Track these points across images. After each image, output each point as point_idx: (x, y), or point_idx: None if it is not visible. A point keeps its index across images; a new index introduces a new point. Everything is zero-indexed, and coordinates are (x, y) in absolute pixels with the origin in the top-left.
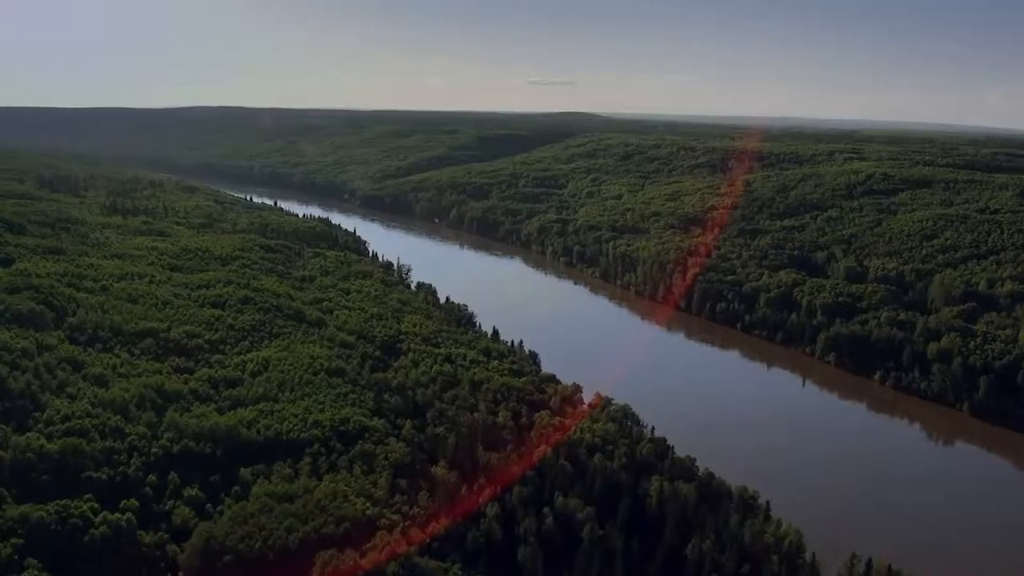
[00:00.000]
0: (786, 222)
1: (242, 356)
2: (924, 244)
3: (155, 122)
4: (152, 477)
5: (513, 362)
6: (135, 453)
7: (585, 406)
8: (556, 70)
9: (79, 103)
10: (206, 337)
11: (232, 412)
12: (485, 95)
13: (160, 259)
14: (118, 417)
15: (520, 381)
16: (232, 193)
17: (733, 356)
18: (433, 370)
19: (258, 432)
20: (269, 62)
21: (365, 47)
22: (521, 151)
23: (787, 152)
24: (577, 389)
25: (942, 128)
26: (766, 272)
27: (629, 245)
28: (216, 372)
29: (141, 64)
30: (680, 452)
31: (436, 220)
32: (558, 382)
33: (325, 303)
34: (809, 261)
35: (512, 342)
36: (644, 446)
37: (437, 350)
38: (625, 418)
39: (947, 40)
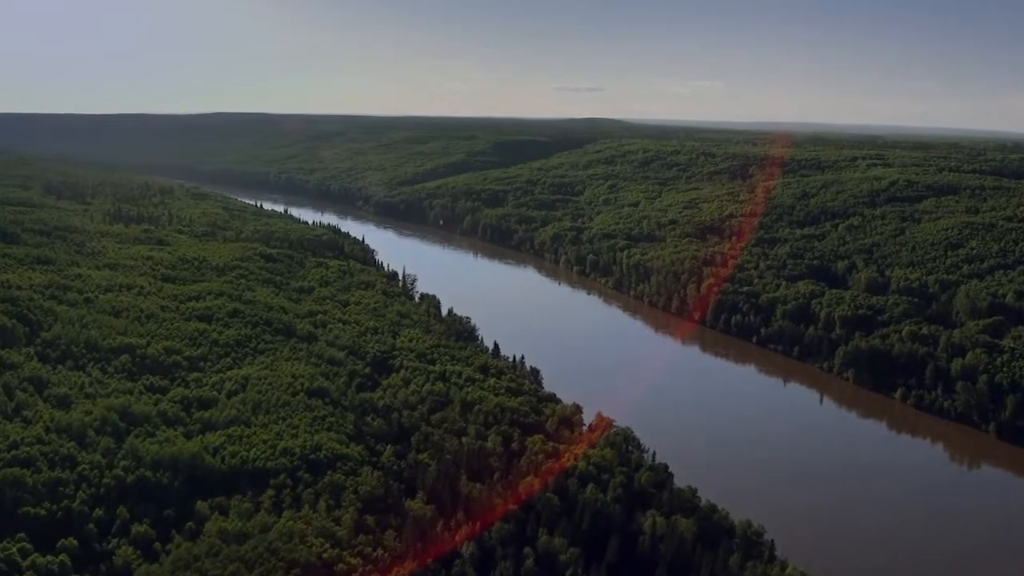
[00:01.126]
0: (806, 230)
1: (221, 374)
2: (949, 254)
3: (178, 128)
4: (99, 511)
5: (512, 380)
6: (84, 485)
7: (585, 428)
8: (583, 76)
9: (103, 110)
10: (186, 353)
11: (200, 437)
12: (510, 101)
13: (154, 269)
14: (72, 444)
15: (516, 401)
16: (244, 200)
17: (747, 371)
18: (424, 389)
19: (222, 460)
20: (294, 68)
21: (391, 53)
22: (540, 157)
23: (809, 158)
24: (577, 410)
25: (968, 133)
26: (784, 283)
27: (644, 254)
28: (190, 392)
29: (168, 71)
30: (683, 479)
31: (441, 222)
32: (557, 402)
33: (319, 316)
34: (829, 271)
35: (513, 357)
36: (643, 475)
37: (431, 367)
38: (625, 442)
39: (974, 44)
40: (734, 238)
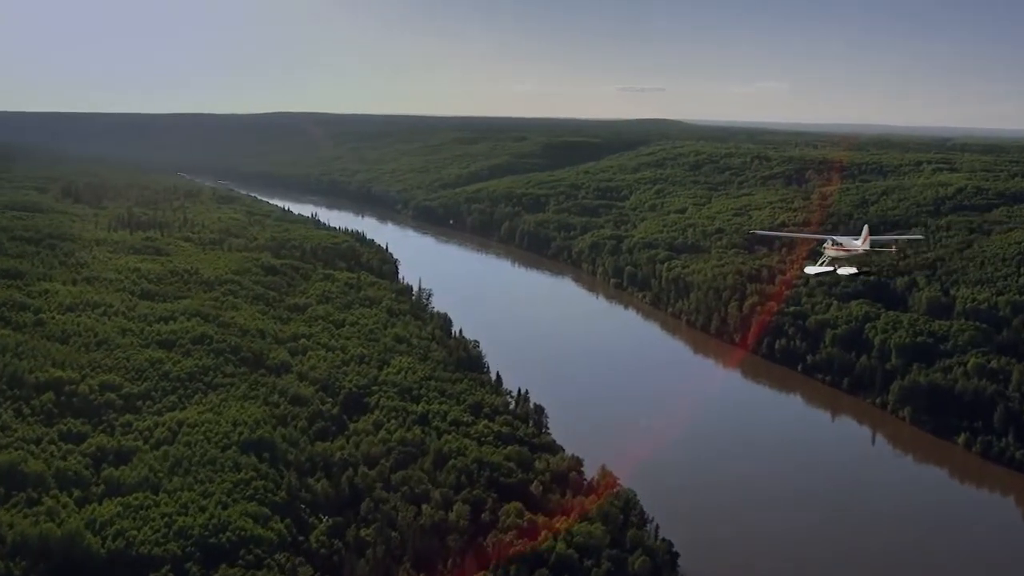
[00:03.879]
0: None
1: (157, 418)
2: (1022, 270)
3: (234, 129)
4: None
5: (506, 423)
6: None
7: (586, 485)
8: (647, 77)
9: (164, 109)
10: (125, 390)
11: (92, 507)
12: (572, 103)
13: (136, 284)
14: None
15: (503, 452)
16: (275, 203)
17: (788, 405)
18: (395, 436)
19: (104, 543)
20: (352, 68)
21: (455, 53)
22: (589, 160)
23: (870, 162)
24: (575, 464)
25: None
26: (835, 302)
27: (684, 267)
28: (111, 441)
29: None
30: (692, 560)
31: (452, 222)
32: (554, 452)
33: (302, 341)
34: (886, 289)
35: (518, 392)
36: (636, 560)
37: (412, 407)
38: (623, 512)
39: None
40: (784, 250)
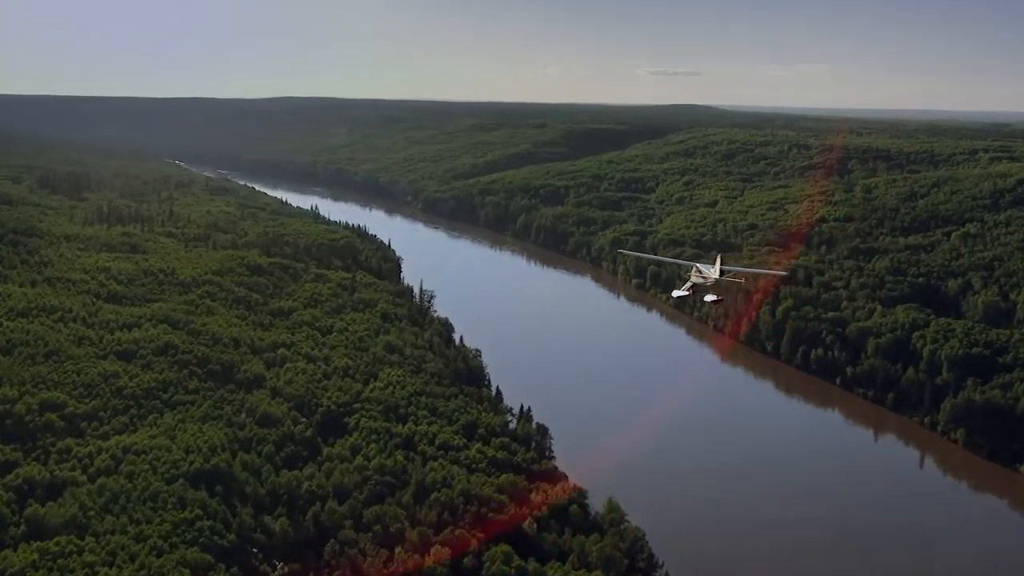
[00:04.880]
0: (911, 239)
1: (102, 442)
2: None
3: (240, 114)
4: None
5: (503, 446)
6: None
7: (587, 525)
8: (680, 60)
9: (170, 93)
10: (70, 409)
11: (6, 554)
12: (599, 87)
13: (103, 285)
14: None
15: (496, 482)
16: (275, 195)
17: (826, 425)
18: (374, 463)
19: None
20: (363, 50)
21: (475, 35)
22: (614, 148)
23: (920, 151)
24: (579, 495)
25: None
26: (879, 307)
27: None
28: (41, 472)
29: (245, 54)
30: None
31: (440, 211)
32: (556, 480)
33: (281, 351)
34: (937, 293)
35: (520, 409)
36: None
37: (397, 428)
38: (628, 555)
39: None
40: (823, 248)
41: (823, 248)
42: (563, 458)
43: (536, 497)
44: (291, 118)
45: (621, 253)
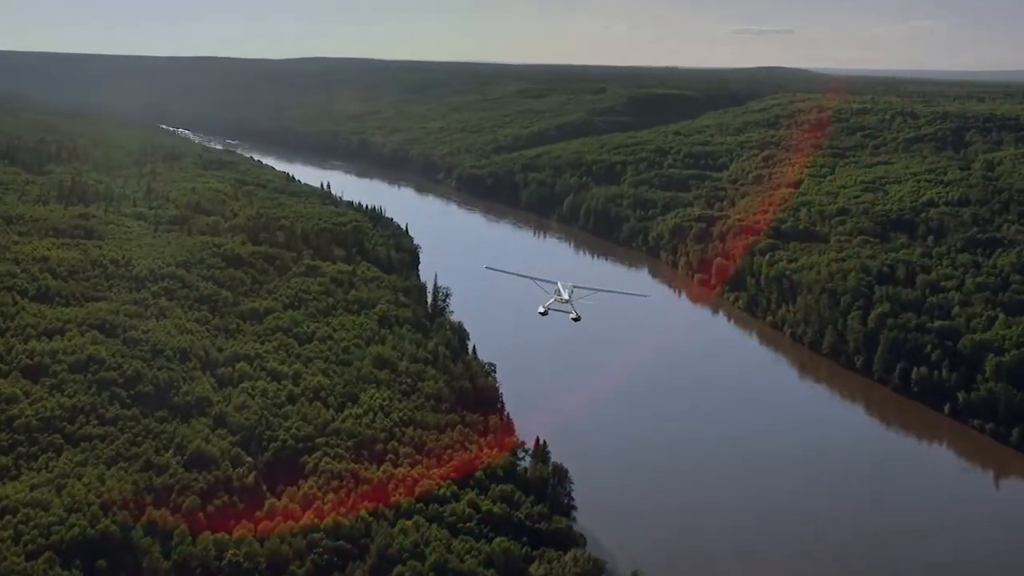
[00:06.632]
0: None
1: None
2: None
3: (262, 76)
4: None
5: (505, 495)
6: None
7: None
8: (769, 16)
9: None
10: None
11: None
12: (674, 47)
13: (35, 280)
14: None
15: (486, 550)
16: (285, 168)
17: (931, 468)
18: (328, 521)
19: None
20: (400, 4)
21: None
22: (683, 117)
23: None
24: (596, 568)
25: None
26: (1002, 315)
27: (792, 261)
28: None
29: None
30: None
31: (477, 190)
32: (569, 545)
33: (241, 365)
34: None
35: (537, 443)
36: None
37: (370, 471)
38: None
39: None
40: (930, 238)
41: (930, 239)
42: (585, 510)
43: (538, 570)
44: (318, 81)
45: (489, 268)
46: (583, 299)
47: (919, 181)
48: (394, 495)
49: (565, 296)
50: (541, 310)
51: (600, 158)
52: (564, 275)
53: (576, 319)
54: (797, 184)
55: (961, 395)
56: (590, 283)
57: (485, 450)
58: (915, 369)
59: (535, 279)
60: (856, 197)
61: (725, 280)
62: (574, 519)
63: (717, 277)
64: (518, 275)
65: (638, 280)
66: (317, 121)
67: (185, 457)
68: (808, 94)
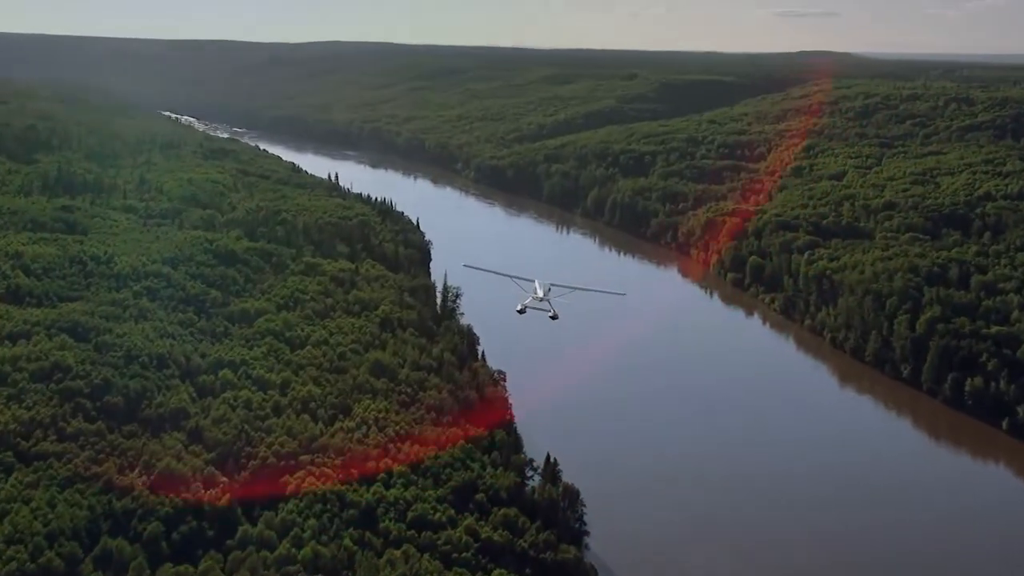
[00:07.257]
0: None
1: None
2: None
3: (267, 62)
4: None
5: (509, 520)
6: None
7: None
8: None
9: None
10: None
11: None
12: (711, 31)
13: (5, 278)
14: None
15: None
16: (293, 159)
17: (988, 489)
18: (306, 552)
19: None
20: None
21: None
22: (719, 104)
23: None
24: None
25: None
26: None
27: (833, 260)
28: None
29: None
30: None
31: (497, 182)
32: None
33: (224, 372)
34: None
35: (547, 460)
36: None
37: (359, 493)
38: None
39: None
40: (987, 236)
41: (986, 236)
42: (599, 537)
43: None
44: (331, 67)
45: (468, 267)
46: (560, 297)
47: (975, 173)
48: (383, 520)
49: (540, 294)
50: (519, 308)
51: (628, 148)
52: (580, 276)
53: (554, 317)
54: (840, 176)
55: (1021, 409)
56: (570, 282)
57: (488, 469)
58: (969, 380)
59: (513, 277)
60: (905, 190)
61: (760, 279)
62: (587, 546)
63: (752, 275)
64: (496, 273)
65: (667, 279)
66: (329, 108)
67: (151, 477)
68: (854, 80)
